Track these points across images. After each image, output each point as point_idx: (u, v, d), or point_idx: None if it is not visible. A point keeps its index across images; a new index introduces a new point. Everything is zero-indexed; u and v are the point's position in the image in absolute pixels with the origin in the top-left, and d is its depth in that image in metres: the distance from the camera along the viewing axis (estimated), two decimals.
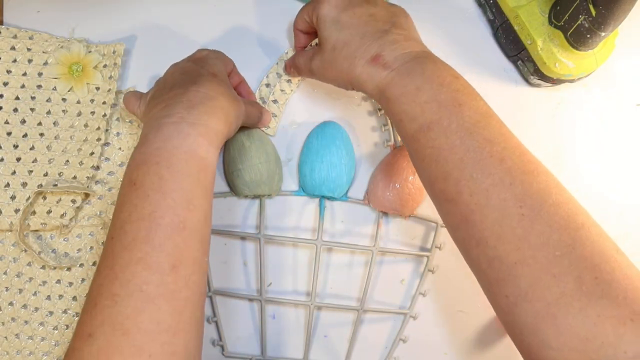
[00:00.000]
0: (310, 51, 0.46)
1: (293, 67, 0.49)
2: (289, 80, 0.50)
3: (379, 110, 0.51)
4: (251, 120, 0.46)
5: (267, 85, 0.50)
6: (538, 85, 0.51)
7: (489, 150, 0.36)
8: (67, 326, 0.48)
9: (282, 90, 0.50)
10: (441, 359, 0.49)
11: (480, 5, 0.52)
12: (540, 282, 0.33)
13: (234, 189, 0.48)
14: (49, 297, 0.48)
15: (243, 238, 0.50)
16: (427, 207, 0.50)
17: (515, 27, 0.49)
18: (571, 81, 0.49)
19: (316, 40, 0.48)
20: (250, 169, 0.47)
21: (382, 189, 0.48)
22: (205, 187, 0.38)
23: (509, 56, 0.52)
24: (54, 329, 0.48)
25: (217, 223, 0.49)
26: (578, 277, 0.32)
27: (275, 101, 0.50)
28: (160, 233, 0.35)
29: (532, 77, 0.50)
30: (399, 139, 0.50)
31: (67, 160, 0.48)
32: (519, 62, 0.51)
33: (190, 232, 0.36)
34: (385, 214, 0.50)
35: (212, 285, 0.49)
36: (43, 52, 0.50)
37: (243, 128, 0.48)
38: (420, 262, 0.50)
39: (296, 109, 0.51)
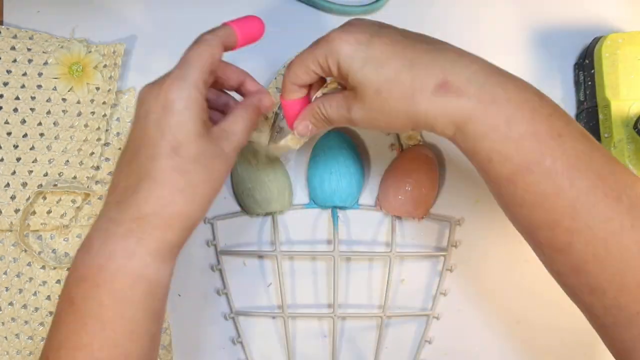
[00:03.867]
0: (341, 100, 0.36)
1: (321, 122, 0.38)
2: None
3: None
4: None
5: None
6: None
7: (603, 188, 0.30)
8: None
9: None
10: (468, 357, 0.49)
11: (576, 83, 0.50)
12: None
13: (245, 208, 0.49)
14: (49, 297, 0.48)
15: (260, 256, 0.50)
16: (440, 206, 0.50)
17: (600, 116, 0.47)
18: None
19: (323, 90, 0.39)
20: (260, 187, 0.47)
21: (393, 194, 0.48)
22: (154, 311, 0.33)
23: None
24: None
25: (233, 243, 0.50)
26: None
27: (284, 117, 0.50)
28: None
29: None
30: (404, 141, 0.50)
31: (67, 160, 0.48)
32: None
33: None
34: (398, 217, 0.50)
35: (234, 306, 0.49)
36: (43, 52, 0.50)
37: (249, 146, 0.48)
38: (437, 262, 0.50)
39: None
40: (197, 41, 0.35)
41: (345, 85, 0.37)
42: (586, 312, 0.34)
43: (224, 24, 0.37)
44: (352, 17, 0.37)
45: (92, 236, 0.33)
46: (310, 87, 0.39)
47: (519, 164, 0.31)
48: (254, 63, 0.51)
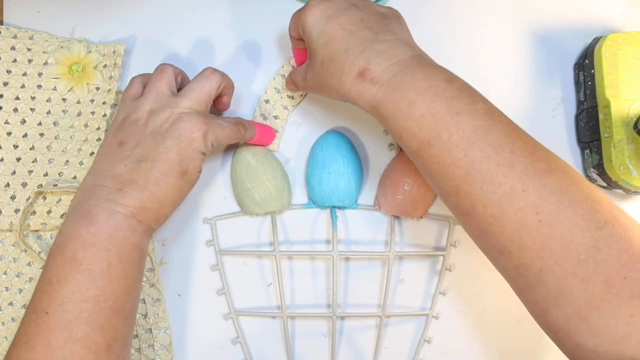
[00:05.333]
0: (304, 68, 0.44)
1: (292, 84, 0.47)
2: (290, 96, 0.50)
3: None
4: (233, 140, 0.45)
5: (267, 101, 0.50)
6: (594, 181, 0.49)
7: (496, 158, 0.34)
8: None
9: (284, 107, 0.50)
10: (467, 357, 0.49)
11: (576, 83, 0.51)
12: (567, 288, 0.33)
13: (244, 208, 0.49)
14: None
15: (260, 256, 0.50)
16: (439, 205, 0.50)
17: (600, 116, 0.47)
18: (627, 190, 0.47)
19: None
20: (259, 187, 0.47)
21: (391, 194, 0.48)
22: (142, 273, 0.42)
23: (580, 141, 0.50)
24: None
25: (232, 244, 0.50)
26: (606, 280, 0.32)
27: (276, 117, 0.50)
28: (102, 316, 0.37)
29: (592, 169, 0.48)
30: None
31: (67, 160, 0.48)
32: (587, 151, 0.49)
33: (127, 314, 0.39)
34: (397, 217, 0.50)
35: (234, 306, 0.49)
36: (43, 52, 0.50)
37: (248, 146, 0.48)
38: (436, 262, 0.50)
39: (297, 118, 0.51)
40: (240, 122, 0.45)
41: None
42: (507, 278, 0.37)
43: (254, 124, 0.47)
44: None
45: (94, 212, 0.39)
46: None
47: (421, 140, 0.36)
48: (255, 63, 0.51)
